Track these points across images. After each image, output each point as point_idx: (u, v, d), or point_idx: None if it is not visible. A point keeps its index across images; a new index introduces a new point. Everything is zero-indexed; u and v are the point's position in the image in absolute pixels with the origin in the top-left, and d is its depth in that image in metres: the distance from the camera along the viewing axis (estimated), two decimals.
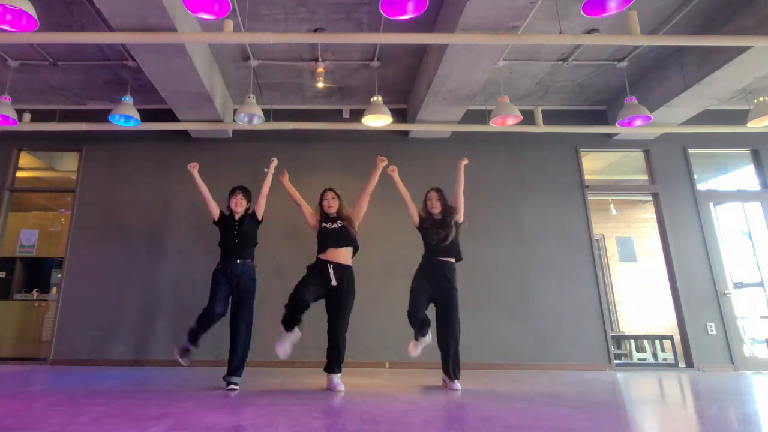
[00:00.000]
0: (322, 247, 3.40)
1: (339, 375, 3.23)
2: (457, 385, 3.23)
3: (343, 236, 3.39)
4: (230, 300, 3.39)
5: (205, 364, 4.57)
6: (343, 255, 3.36)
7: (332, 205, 3.50)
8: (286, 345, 3.18)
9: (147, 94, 5.06)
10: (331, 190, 3.58)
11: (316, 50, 4.53)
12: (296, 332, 3.21)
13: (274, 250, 4.96)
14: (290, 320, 3.19)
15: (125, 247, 5.11)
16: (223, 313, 3.33)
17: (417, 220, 3.61)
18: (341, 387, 3.14)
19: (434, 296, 3.43)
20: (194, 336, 3.30)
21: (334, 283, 3.25)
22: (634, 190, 6.07)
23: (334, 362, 3.24)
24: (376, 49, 4.51)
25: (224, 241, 3.48)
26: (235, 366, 3.24)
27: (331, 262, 3.32)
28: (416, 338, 3.44)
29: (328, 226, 3.44)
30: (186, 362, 3.35)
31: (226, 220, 3.54)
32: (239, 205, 3.53)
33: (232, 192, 3.58)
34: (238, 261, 3.39)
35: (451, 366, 3.29)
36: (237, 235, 3.45)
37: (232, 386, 3.16)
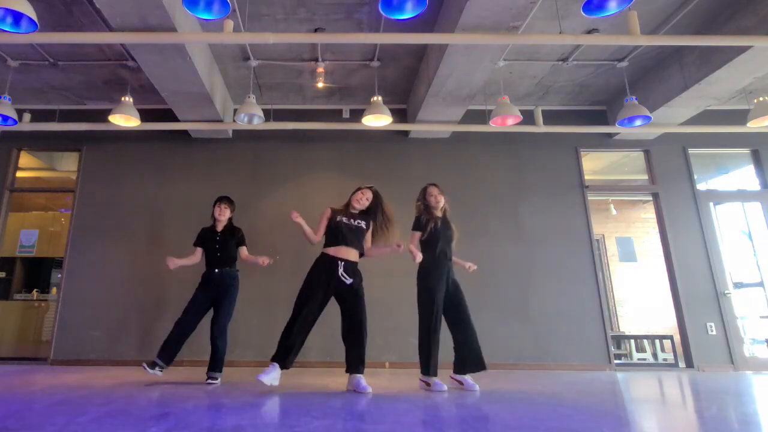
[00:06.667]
0: (333, 242, 3.23)
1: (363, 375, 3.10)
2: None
3: (359, 236, 3.27)
4: (210, 307, 3.62)
5: (205, 364, 4.57)
6: (353, 253, 3.25)
7: (363, 203, 3.34)
8: (273, 376, 2.97)
9: (147, 94, 5.06)
10: (370, 189, 3.40)
11: (316, 50, 4.53)
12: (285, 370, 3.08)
13: (274, 250, 4.95)
14: (286, 355, 3.04)
15: (125, 247, 5.12)
16: (190, 326, 3.53)
17: (417, 234, 3.41)
18: (369, 388, 2.99)
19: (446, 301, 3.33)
20: (163, 347, 3.46)
21: (348, 281, 3.12)
22: (634, 190, 6.07)
23: (360, 362, 3.10)
24: (376, 49, 4.51)
25: (207, 253, 3.72)
26: (215, 362, 3.48)
27: (341, 259, 3.18)
28: (432, 373, 3.17)
29: (345, 220, 3.27)
30: (153, 372, 3.40)
31: (206, 236, 3.75)
32: (223, 214, 3.73)
33: (217, 201, 3.78)
34: (217, 270, 3.64)
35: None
36: (218, 249, 3.68)
37: (210, 380, 3.41)
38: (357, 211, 3.36)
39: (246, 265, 3.83)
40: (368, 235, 3.36)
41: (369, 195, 3.37)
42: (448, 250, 3.40)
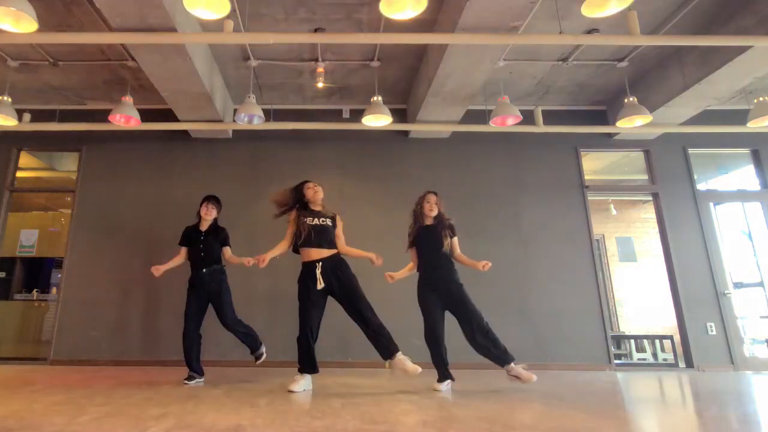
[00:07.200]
0: (303, 245, 3.20)
1: (400, 351, 3.06)
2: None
3: (326, 235, 3.23)
4: (208, 305, 3.66)
5: (205, 364, 4.56)
6: (324, 251, 3.21)
7: (318, 194, 3.33)
8: (303, 384, 3.07)
9: (147, 94, 5.06)
10: (311, 181, 3.41)
11: (316, 50, 4.53)
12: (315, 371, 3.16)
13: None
14: (308, 363, 3.12)
15: (125, 247, 5.11)
16: (198, 329, 3.59)
17: (412, 251, 3.45)
18: (418, 369, 2.95)
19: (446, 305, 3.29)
20: (190, 363, 3.53)
21: (320, 286, 3.09)
22: (634, 190, 6.08)
23: (385, 347, 3.07)
24: (376, 49, 4.51)
25: (191, 253, 3.72)
26: (250, 344, 3.73)
27: (317, 261, 3.16)
28: (439, 379, 3.19)
29: (310, 221, 3.22)
30: (195, 383, 3.45)
31: (190, 235, 3.76)
32: (209, 213, 3.75)
33: (204, 200, 3.79)
34: (204, 270, 3.63)
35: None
36: (202, 249, 3.69)
37: (259, 359, 3.77)
38: (319, 209, 3.33)
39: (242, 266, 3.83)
40: (339, 232, 3.34)
41: (319, 188, 3.36)
42: (435, 257, 3.32)
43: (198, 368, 3.52)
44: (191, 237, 3.74)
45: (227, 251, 3.76)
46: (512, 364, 3.11)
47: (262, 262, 3.22)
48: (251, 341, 3.71)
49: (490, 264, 3.28)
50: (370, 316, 3.10)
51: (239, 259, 3.64)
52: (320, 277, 3.12)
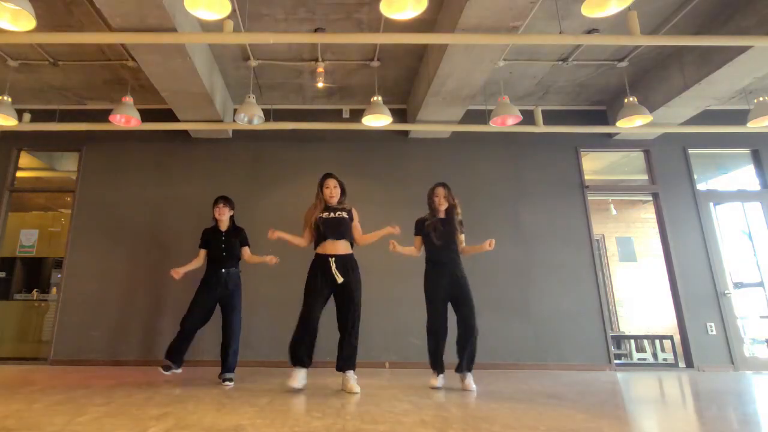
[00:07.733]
0: (320, 240, 3.24)
1: (353, 372, 3.11)
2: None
3: (342, 227, 3.26)
4: (216, 307, 3.62)
5: (205, 364, 4.57)
6: (342, 246, 3.25)
7: (334, 195, 3.33)
8: (297, 378, 3.07)
9: (147, 94, 5.06)
10: (333, 176, 3.38)
11: (316, 50, 4.53)
12: (307, 367, 3.13)
13: (274, 250, 4.95)
14: (297, 356, 3.11)
15: (125, 247, 5.11)
16: (197, 327, 3.54)
17: (417, 238, 3.52)
18: (357, 388, 2.99)
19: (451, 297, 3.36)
20: (170, 350, 3.49)
21: (340, 280, 3.13)
22: (634, 190, 6.07)
23: (343, 361, 3.11)
24: (376, 49, 4.51)
25: (212, 252, 3.69)
26: (230, 363, 3.48)
27: (332, 255, 3.19)
28: (439, 371, 3.27)
29: (325, 216, 3.27)
30: (169, 373, 3.46)
31: (211, 237, 3.73)
32: (222, 213, 3.73)
33: (215, 203, 3.77)
34: (223, 270, 3.61)
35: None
36: (224, 248, 3.67)
37: (227, 382, 3.35)
38: (336, 204, 3.36)
39: (245, 266, 3.83)
40: (356, 224, 3.37)
41: (335, 182, 3.37)
42: (445, 250, 3.39)
43: (178, 359, 3.50)
44: (211, 238, 3.73)
45: (246, 251, 3.76)
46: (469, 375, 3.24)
47: (272, 234, 3.27)
48: (233, 362, 3.49)
49: (494, 241, 3.36)
50: (353, 326, 3.15)
51: (260, 258, 3.64)
52: (336, 272, 3.14)
